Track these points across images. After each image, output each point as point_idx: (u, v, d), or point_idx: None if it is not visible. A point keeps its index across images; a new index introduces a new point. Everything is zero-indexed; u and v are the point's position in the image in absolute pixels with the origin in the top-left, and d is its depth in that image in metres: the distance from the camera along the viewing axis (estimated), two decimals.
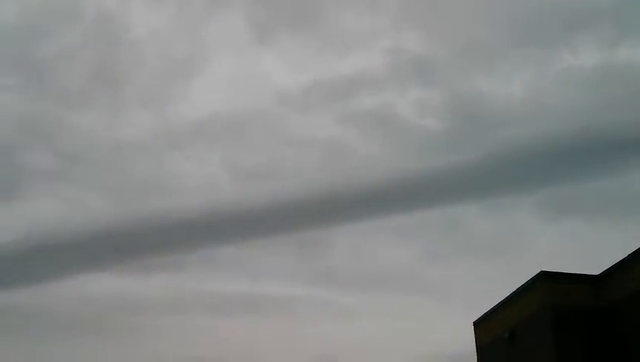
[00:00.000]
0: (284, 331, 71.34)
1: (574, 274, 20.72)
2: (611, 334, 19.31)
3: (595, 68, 60.49)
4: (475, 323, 24.08)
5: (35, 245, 79.14)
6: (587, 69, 60.87)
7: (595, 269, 20.79)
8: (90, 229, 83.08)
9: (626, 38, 64.27)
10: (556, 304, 19.77)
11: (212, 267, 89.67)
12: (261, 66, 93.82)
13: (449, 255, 64.13)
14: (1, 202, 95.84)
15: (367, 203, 63.38)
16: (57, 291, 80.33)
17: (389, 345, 56.17)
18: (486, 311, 23.34)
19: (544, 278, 20.26)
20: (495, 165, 51.78)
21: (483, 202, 58.67)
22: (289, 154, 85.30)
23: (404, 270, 65.73)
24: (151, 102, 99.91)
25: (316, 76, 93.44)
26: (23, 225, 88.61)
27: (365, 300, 67.40)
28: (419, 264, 66.09)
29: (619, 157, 47.50)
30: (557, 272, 20.49)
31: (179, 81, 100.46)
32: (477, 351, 23.61)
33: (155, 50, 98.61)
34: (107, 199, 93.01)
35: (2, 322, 67.64)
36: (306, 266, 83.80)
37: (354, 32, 76.07)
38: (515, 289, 21.58)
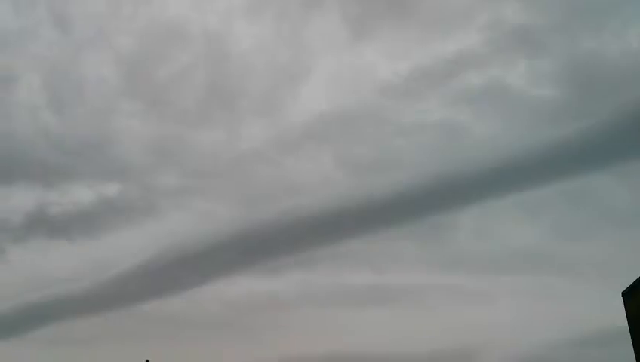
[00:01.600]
0: (415, 320, 70.76)
1: None
2: None
3: None
4: (623, 294, 22.01)
5: (174, 256, 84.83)
6: None
7: None
8: (223, 237, 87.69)
9: None
10: None
11: (341, 261, 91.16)
12: (362, 61, 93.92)
13: (581, 229, 59.99)
14: (141, 220, 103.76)
15: (487, 183, 61.11)
16: (200, 296, 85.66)
17: (529, 328, 53.67)
18: (635, 281, 21.22)
19: None
20: (623, 127, 47.66)
21: (615, 169, 54.21)
22: (401, 143, 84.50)
23: (533, 249, 62.51)
24: (263, 111, 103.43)
25: (418, 62, 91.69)
26: (162, 240, 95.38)
27: (496, 283, 64.91)
28: (549, 241, 62.58)
29: None
30: None
31: (286, 86, 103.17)
32: (629, 322, 21.57)
33: (261, 60, 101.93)
34: (234, 207, 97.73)
35: (156, 327, 73.31)
36: (432, 253, 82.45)
37: (449, 12, 73.85)
38: None
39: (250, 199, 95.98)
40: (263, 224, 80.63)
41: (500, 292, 63.29)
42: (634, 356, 21.37)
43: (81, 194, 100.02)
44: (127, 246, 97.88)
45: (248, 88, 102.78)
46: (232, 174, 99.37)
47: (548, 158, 53.84)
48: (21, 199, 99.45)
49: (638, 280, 21.12)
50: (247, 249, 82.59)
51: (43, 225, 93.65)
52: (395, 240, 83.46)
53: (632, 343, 21.46)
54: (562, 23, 64.56)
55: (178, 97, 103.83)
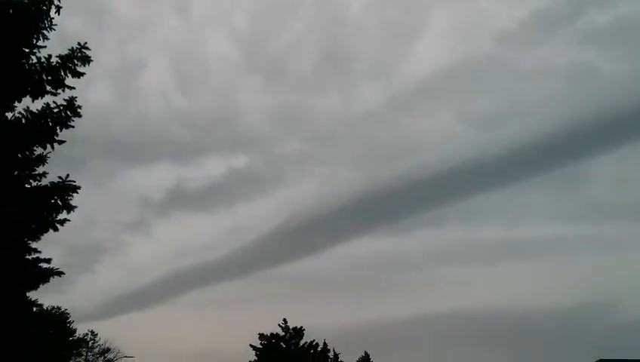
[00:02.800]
0: (550, 274, 67.76)
1: None
2: None
3: None
4: None
5: (303, 221, 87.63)
6: None
7: None
8: (348, 199, 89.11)
9: None
10: None
11: (469, 217, 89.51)
12: (477, 9, 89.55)
13: None
14: (269, 189, 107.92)
15: (624, 126, 56.57)
16: (329, 257, 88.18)
17: None
18: None
19: None
20: None
21: None
22: (525, 91, 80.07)
23: None
24: (377, 71, 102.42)
25: (536, 5, 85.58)
26: (290, 206, 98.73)
27: (635, 231, 60.49)
28: None
29: None
30: None
31: (399, 45, 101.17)
32: None
33: (372, 21, 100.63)
34: (356, 170, 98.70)
35: (289, 288, 76.62)
36: (566, 204, 78.33)
37: None
38: None
39: (371, 160, 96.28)
40: (386, 184, 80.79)
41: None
42: None
43: (212, 168, 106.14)
44: (258, 214, 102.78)
45: (361, 50, 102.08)
46: (351, 137, 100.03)
47: None
48: (161, 177, 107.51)
49: None
50: (372, 210, 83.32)
51: (182, 199, 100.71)
52: (525, 193, 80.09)
53: None
54: None
55: (294, 66, 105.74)
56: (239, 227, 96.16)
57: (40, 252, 10.64)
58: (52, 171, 11.28)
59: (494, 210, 77.44)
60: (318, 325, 45.78)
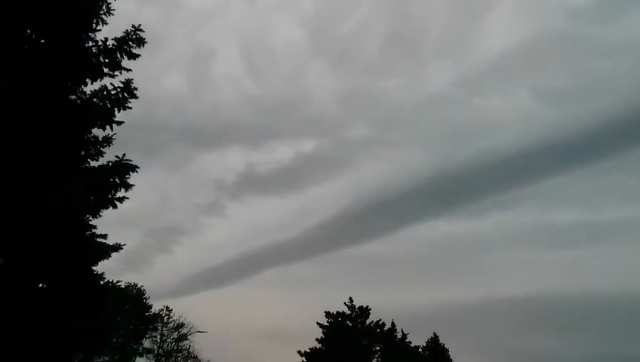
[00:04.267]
0: (634, 257, 64.29)
1: None
2: None
3: None
4: None
5: (372, 203, 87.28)
6: None
7: None
8: (417, 181, 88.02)
9: None
10: None
11: (545, 199, 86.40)
12: None
13: None
14: (337, 172, 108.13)
15: None
16: (400, 239, 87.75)
17: None
18: None
19: None
20: None
21: None
22: (605, 66, 75.75)
23: None
24: (446, 51, 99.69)
25: None
26: (359, 188, 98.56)
27: None
28: None
29: None
30: None
31: (468, 23, 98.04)
32: None
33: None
34: (427, 152, 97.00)
35: (359, 268, 76.82)
36: None
37: None
38: None
39: (441, 142, 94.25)
40: (457, 166, 79.03)
41: None
42: None
43: (282, 152, 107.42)
44: (327, 197, 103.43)
45: (429, 30, 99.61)
46: (421, 118, 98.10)
47: None
48: (232, 160, 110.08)
49: None
50: (443, 192, 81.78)
51: (253, 182, 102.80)
52: (606, 174, 76.30)
53: None
54: None
55: (361, 50, 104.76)
56: (308, 209, 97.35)
57: (95, 227, 11.10)
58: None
59: (571, 191, 74.44)
60: (387, 306, 45.74)
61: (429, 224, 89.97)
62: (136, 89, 11.90)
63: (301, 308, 62.13)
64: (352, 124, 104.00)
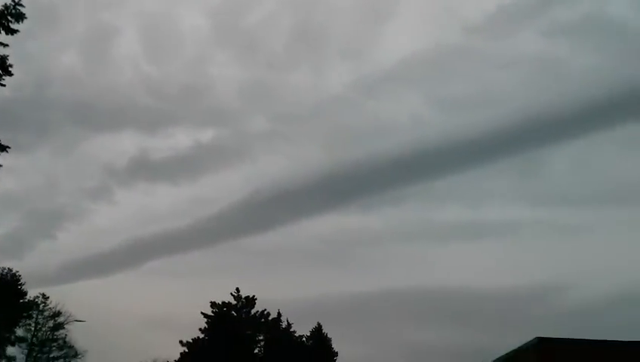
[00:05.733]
0: (508, 255, 69.61)
1: None
2: None
3: None
4: None
5: (268, 196, 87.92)
6: None
7: None
8: (313, 177, 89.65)
9: None
10: None
11: (432, 198, 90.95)
12: (447, 1, 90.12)
13: None
14: (235, 163, 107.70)
15: (588, 116, 58.12)
16: (294, 232, 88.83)
17: (625, 263, 51.71)
18: None
19: None
20: None
21: None
22: (494, 78, 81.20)
23: (636, 182, 59.52)
24: (348, 53, 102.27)
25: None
26: (256, 181, 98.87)
27: (592, 217, 62.66)
28: None
29: None
30: None
31: (372, 28, 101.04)
32: None
33: (348, 1, 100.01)
34: (323, 150, 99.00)
35: (253, 260, 77.17)
36: (527, 188, 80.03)
37: None
38: None
39: (338, 141, 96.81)
40: (351, 164, 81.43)
41: (597, 225, 61.10)
42: None
43: (179, 139, 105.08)
44: (223, 187, 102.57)
45: (334, 31, 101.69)
46: (320, 117, 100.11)
47: None
48: (126, 144, 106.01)
49: None
50: (337, 188, 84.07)
51: (146, 168, 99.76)
52: (489, 176, 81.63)
53: None
54: None
55: (266, 43, 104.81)
56: (203, 198, 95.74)
57: None
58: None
59: (455, 191, 78.93)
60: (277, 297, 46.32)
61: (322, 218, 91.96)
62: (11, 66, 11.51)
63: (190, 297, 61.35)
64: (252, 117, 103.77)
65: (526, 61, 70.62)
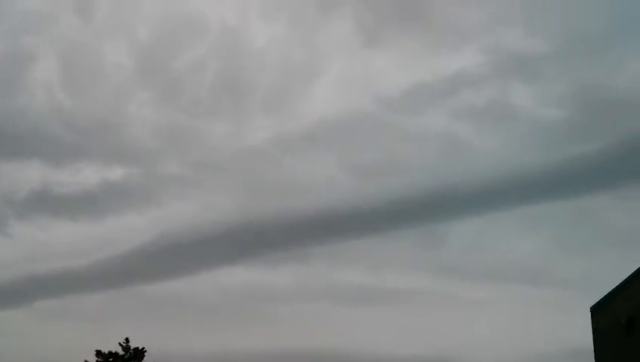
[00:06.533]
0: (407, 322, 71.22)
1: None
2: None
3: None
4: (592, 309, 22.37)
5: (174, 242, 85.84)
6: None
7: None
8: (222, 228, 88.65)
9: None
10: None
11: (337, 259, 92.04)
12: (371, 68, 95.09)
13: (580, 246, 61.16)
14: (143, 206, 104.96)
15: (488, 195, 61.88)
16: (198, 282, 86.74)
17: (518, 338, 54.40)
18: (604, 296, 21.58)
19: None
20: (623, 153, 49.23)
21: (613, 192, 56.00)
22: (404, 150, 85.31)
23: (529, 261, 63.67)
24: (271, 108, 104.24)
25: (424, 74, 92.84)
26: (163, 226, 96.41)
27: (487, 292, 65.74)
28: (546, 255, 63.68)
29: None
30: None
31: (296, 87, 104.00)
32: (594, 339, 21.90)
33: (274, 58, 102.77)
34: (235, 200, 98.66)
35: (154, 309, 74.45)
36: (427, 258, 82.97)
37: (453, 32, 75.61)
38: (634, 271, 19.70)
39: (251, 194, 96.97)
40: (262, 219, 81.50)
41: (493, 300, 64.11)
42: None
43: (87, 175, 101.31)
44: (128, 229, 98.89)
45: (259, 85, 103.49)
46: (236, 168, 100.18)
47: (549, 176, 55.27)
48: (28, 175, 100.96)
49: (605, 297, 21.49)
50: (245, 241, 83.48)
51: (47, 202, 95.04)
52: (393, 243, 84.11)
53: (595, 359, 21.82)
54: (562, 51, 66.12)
55: (190, 88, 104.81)
56: (106, 239, 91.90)
57: None
58: None
59: (362, 255, 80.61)
60: (171, 351, 44.93)
61: (227, 271, 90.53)
62: None
63: (79, 342, 57.92)
64: (166, 160, 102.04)
65: (433, 138, 75.28)
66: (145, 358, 34.75)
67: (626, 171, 51.10)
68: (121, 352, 33.99)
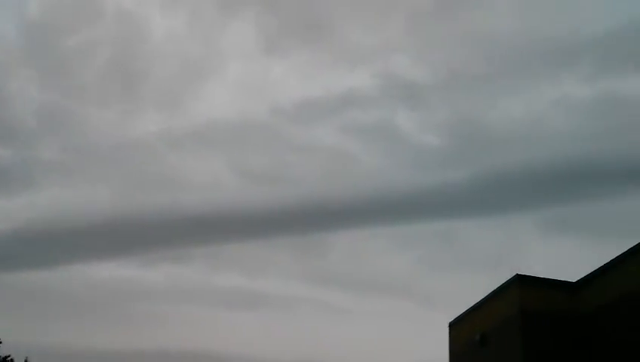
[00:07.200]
0: (279, 328, 71.87)
1: (550, 279, 20.25)
2: (583, 342, 18.92)
3: (580, 99, 61.88)
4: (450, 325, 23.85)
5: (46, 230, 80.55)
6: (573, 99, 62.41)
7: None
8: (98, 220, 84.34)
9: (604, 74, 64.57)
10: (529, 308, 19.34)
11: (216, 262, 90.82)
12: (268, 75, 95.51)
13: (445, 265, 65.54)
14: (17, 188, 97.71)
15: (367, 211, 64.39)
16: (65, 275, 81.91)
17: (375, 347, 56.98)
18: (461, 313, 23.08)
19: (519, 282, 19.88)
20: (490, 184, 53.96)
21: (480, 218, 60.67)
22: (293, 160, 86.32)
23: (399, 276, 67.00)
24: (162, 102, 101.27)
25: (318, 88, 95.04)
26: (35, 212, 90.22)
27: (359, 303, 68.19)
28: (414, 272, 67.29)
29: (611, 183, 50.32)
30: (532, 276, 20.07)
31: (190, 83, 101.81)
32: (449, 353, 23.33)
33: (170, 51, 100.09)
34: (113, 193, 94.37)
35: (19, 297, 69.25)
36: (306, 267, 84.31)
37: (354, 49, 78.19)
38: (490, 292, 21.28)
39: (133, 188, 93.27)
40: (142, 214, 78.68)
41: (363, 312, 66.38)
42: None
43: None
44: None
45: (152, 77, 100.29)
46: (119, 159, 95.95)
47: (423, 198, 58.88)
48: None
49: (462, 315, 23.01)
50: (122, 236, 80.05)
51: None
52: (274, 250, 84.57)
53: None
54: (445, 82, 70.67)
55: (79, 71, 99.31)
56: None
57: None
58: None
59: (240, 259, 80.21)
60: (32, 343, 42.20)
61: (101, 265, 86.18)
62: None
63: None
64: (46, 143, 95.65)
65: (322, 150, 76.93)
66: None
67: (487, 202, 55.97)
68: None
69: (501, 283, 20.64)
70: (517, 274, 19.95)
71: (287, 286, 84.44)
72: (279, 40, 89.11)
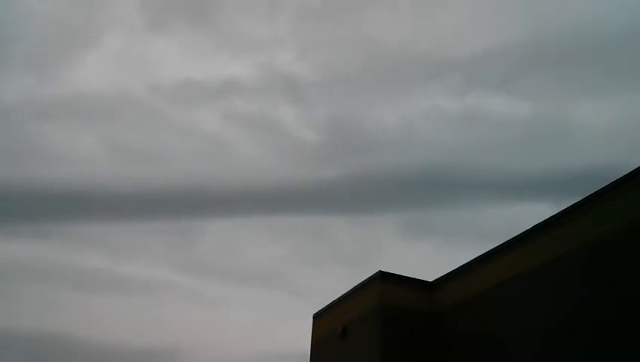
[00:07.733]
0: (145, 312, 69.53)
1: (410, 277, 21.35)
2: (435, 336, 20.12)
3: (450, 112, 65.51)
4: (314, 317, 24.42)
5: None
6: (443, 111, 65.96)
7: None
8: None
9: (472, 90, 69.66)
10: (388, 304, 20.28)
11: (77, 241, 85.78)
12: (150, 52, 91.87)
13: (315, 258, 67.01)
14: None
15: (242, 200, 64.23)
16: None
17: (242, 336, 57.22)
18: (325, 306, 23.72)
19: (380, 278, 20.79)
20: (362, 183, 56.80)
21: (349, 216, 63.13)
22: (170, 141, 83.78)
23: (270, 267, 67.61)
24: (32, 67, 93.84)
25: (201, 72, 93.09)
26: None
27: (230, 292, 68.00)
28: (285, 264, 68.19)
29: (469, 193, 54.69)
30: (394, 274, 21.03)
31: (65, 51, 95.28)
32: (311, 345, 23.89)
33: (46, 15, 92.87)
34: None
35: None
36: (176, 253, 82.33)
37: (241, 38, 77.33)
38: (354, 286, 22.05)
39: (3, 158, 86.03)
40: (4, 184, 72.92)
41: (234, 301, 66.28)
42: None
43: None
44: None
45: (23, 39, 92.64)
46: None
47: (296, 192, 59.99)
48: None
49: (326, 307, 23.66)
50: None
51: None
52: (141, 233, 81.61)
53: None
54: (327, 81, 72.11)
55: None
56: None
57: None
58: None
59: (105, 240, 76.66)
60: None
61: None
62: None
63: None
64: None
65: (201, 134, 75.39)
66: None
67: (356, 201, 58.70)
68: None
69: (364, 278, 21.47)
70: (379, 271, 20.85)
71: (155, 272, 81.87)
72: (165, 17, 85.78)
